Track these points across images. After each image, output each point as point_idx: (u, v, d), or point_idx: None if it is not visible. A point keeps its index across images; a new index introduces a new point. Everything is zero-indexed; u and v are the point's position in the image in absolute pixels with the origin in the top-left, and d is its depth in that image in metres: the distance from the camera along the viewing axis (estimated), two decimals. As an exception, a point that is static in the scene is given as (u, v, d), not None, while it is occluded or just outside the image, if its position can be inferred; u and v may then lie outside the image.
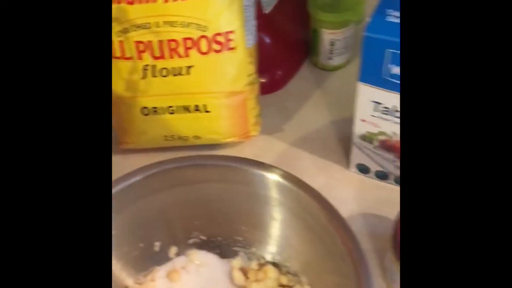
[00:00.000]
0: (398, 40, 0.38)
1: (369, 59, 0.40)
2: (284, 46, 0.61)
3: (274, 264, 0.42)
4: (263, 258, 0.42)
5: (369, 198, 0.50)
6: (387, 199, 0.49)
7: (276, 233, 0.41)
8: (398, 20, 0.39)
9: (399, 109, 0.42)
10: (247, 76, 0.49)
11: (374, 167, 0.50)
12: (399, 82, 0.40)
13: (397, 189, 0.50)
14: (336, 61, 0.60)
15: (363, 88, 0.42)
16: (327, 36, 0.58)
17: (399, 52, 0.38)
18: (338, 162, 0.53)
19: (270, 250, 0.42)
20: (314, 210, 0.36)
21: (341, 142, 0.55)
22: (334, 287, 0.37)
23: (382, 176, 0.50)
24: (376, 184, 0.51)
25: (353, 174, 0.52)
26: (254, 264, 0.42)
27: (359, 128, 0.46)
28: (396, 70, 0.39)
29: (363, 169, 0.51)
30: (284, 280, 0.41)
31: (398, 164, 0.48)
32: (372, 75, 0.41)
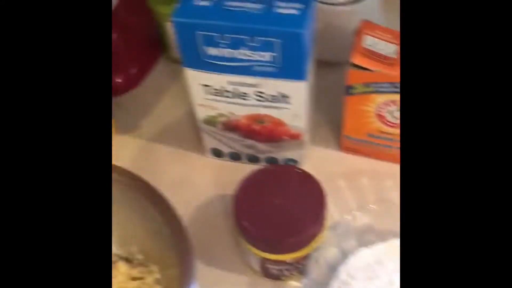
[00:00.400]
0: (206, 22, 0.39)
1: (184, 43, 0.41)
2: (136, 44, 0.61)
3: (127, 259, 0.42)
4: (115, 254, 0.42)
5: (226, 180, 0.51)
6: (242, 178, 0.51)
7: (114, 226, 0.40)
8: (205, 3, 0.40)
9: (228, 89, 0.44)
10: (86, 77, 0.49)
11: (226, 149, 0.51)
12: (218, 62, 0.41)
13: (250, 167, 0.51)
14: (188, 52, 0.61)
15: (189, 73, 0.43)
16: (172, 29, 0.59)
17: (210, 33, 0.39)
18: (195, 150, 0.54)
19: (118, 246, 0.42)
20: (135, 194, 0.37)
21: (196, 131, 0.55)
22: (175, 277, 0.37)
23: (234, 157, 0.51)
24: (231, 165, 0.52)
25: (209, 159, 0.53)
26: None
27: (200, 113, 0.47)
28: (212, 51, 0.40)
29: (217, 153, 0.52)
30: (135, 272, 0.41)
31: (245, 142, 0.49)
32: (192, 59, 0.42)
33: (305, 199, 0.40)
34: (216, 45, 0.40)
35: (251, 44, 0.39)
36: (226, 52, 0.40)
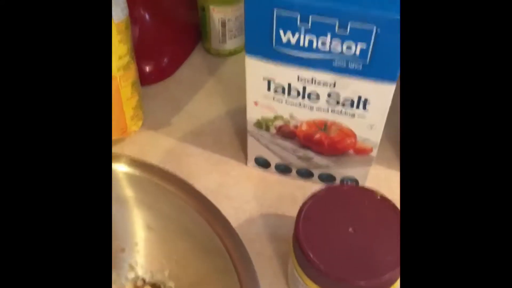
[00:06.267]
0: (287, -1, 0.31)
1: (254, 24, 0.33)
2: (171, 29, 0.53)
3: (154, 285, 0.34)
4: (141, 279, 0.34)
5: (271, 196, 0.43)
6: (290, 196, 0.43)
7: (147, 244, 0.32)
8: (285, -24, 0.32)
9: (296, 87, 0.36)
10: (118, 58, 0.41)
11: (274, 160, 0.43)
12: (291, 52, 0.33)
13: (300, 183, 0.43)
14: (229, 45, 0.53)
15: (252, 63, 0.35)
16: (217, 15, 0.51)
17: (290, 13, 0.31)
18: (235, 157, 0.46)
19: (147, 268, 0.33)
20: (187, 208, 0.29)
21: (237, 135, 0.47)
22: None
23: (283, 169, 0.43)
24: (277, 179, 0.44)
25: (251, 169, 0.45)
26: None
27: (252, 113, 0.39)
28: (287, 36, 0.33)
29: (262, 163, 0.44)
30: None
31: (300, 153, 0.41)
32: (260, 45, 0.34)
33: (384, 231, 0.32)
34: (295, 29, 0.32)
35: (339, 31, 0.31)
36: (305, 39, 0.32)
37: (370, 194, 0.34)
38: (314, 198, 0.34)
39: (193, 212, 0.31)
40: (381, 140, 0.46)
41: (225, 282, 0.29)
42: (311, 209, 0.33)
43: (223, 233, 0.29)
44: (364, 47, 0.32)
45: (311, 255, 0.31)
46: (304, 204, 0.34)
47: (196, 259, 0.32)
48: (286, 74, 0.35)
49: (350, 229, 0.32)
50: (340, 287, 0.32)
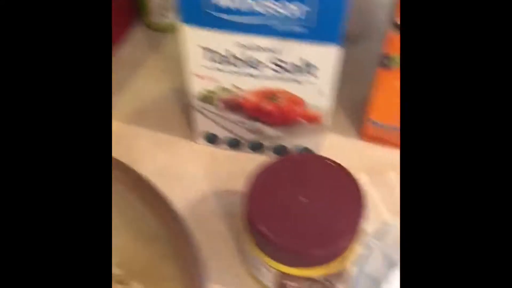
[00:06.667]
0: (217, -41, 0.29)
1: (185, -12, 0.31)
2: (106, 6, 0.50)
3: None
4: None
5: (222, 173, 0.41)
6: (242, 171, 0.41)
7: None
8: None
9: (236, 55, 0.34)
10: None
11: (223, 135, 0.41)
12: (226, 17, 0.31)
13: (253, 157, 0.42)
14: (171, 18, 0.51)
15: (186, 31, 0.33)
16: (154, -14, 0.48)
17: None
18: (183, 135, 0.44)
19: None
20: (127, 193, 0.27)
21: (184, 112, 0.45)
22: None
23: (234, 144, 0.41)
24: (228, 155, 0.42)
25: (201, 146, 0.43)
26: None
27: (195, 86, 0.37)
28: (221, 0, 0.30)
29: (211, 139, 0.42)
30: (112, 293, 0.31)
31: (249, 126, 0.39)
32: (191, 11, 0.31)
33: (339, 199, 0.31)
34: (228, -9, 0.30)
35: (276, -9, 0.29)
36: (240, 2, 0.30)
37: (322, 161, 0.33)
38: (263, 170, 0.32)
39: (134, 197, 0.29)
40: (336, 109, 0.44)
41: (174, 267, 0.28)
42: (260, 181, 0.31)
43: (167, 217, 0.28)
44: (304, 8, 0.30)
45: (263, 229, 0.30)
46: (252, 176, 0.32)
47: (141, 246, 0.30)
48: (223, 41, 0.33)
49: (303, 199, 0.31)
50: (296, 258, 0.30)
